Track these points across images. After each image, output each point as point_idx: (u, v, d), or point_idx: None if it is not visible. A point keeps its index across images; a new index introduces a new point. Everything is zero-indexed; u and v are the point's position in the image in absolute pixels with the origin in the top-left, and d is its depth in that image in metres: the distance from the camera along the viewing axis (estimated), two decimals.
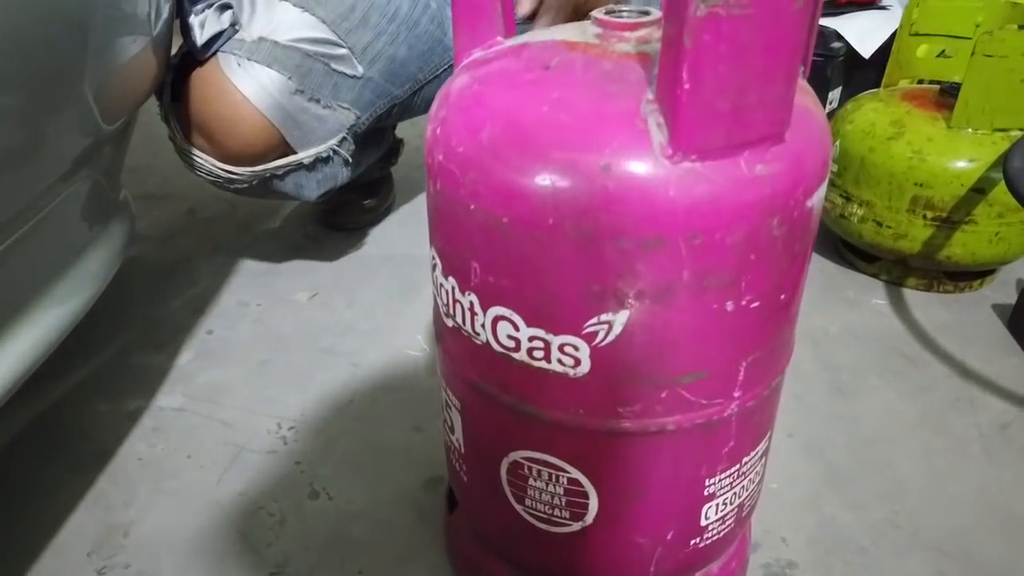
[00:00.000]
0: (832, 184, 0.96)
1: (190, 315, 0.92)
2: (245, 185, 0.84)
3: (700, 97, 0.33)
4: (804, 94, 0.41)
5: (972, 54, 0.82)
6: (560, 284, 0.37)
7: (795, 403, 0.77)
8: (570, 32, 0.41)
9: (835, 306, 0.94)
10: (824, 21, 1.41)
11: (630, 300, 0.37)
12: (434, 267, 0.45)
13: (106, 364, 0.84)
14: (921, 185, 0.87)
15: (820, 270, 1.01)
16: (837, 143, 0.95)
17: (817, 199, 0.39)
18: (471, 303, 0.41)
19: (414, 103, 0.92)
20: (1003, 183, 0.77)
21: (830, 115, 1.42)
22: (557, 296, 0.38)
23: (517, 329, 0.39)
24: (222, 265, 1.03)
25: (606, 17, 0.40)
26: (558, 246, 0.36)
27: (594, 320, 0.38)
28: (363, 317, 0.92)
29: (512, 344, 0.40)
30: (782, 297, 0.40)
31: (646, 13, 0.41)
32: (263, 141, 0.81)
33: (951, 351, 0.85)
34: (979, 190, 0.85)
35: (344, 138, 0.85)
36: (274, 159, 0.83)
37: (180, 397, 0.78)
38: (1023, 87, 0.83)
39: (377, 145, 1.04)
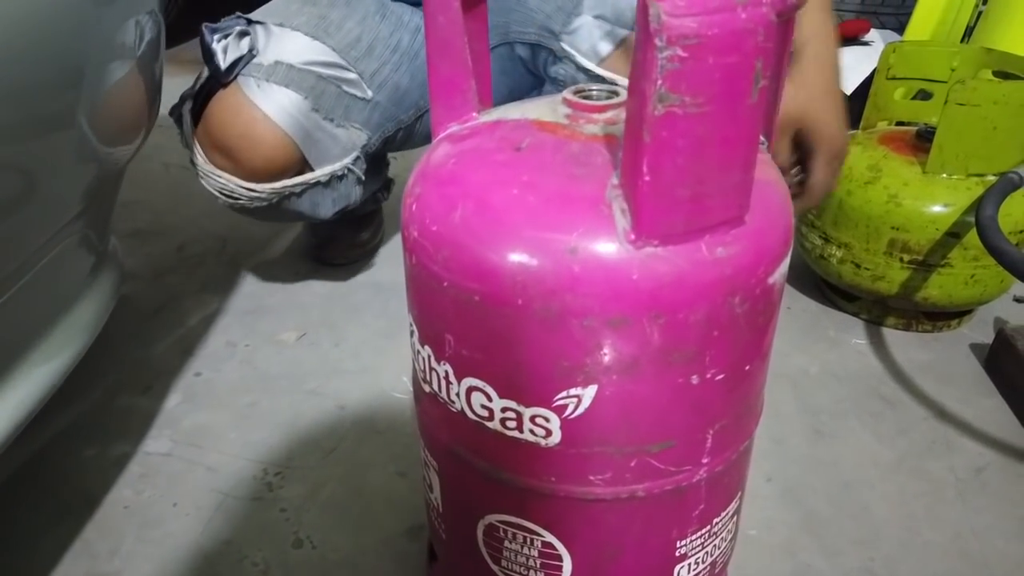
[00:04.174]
0: (812, 225, 0.98)
1: (178, 356, 0.93)
2: (264, 203, 0.88)
3: (660, 187, 0.34)
4: (765, 166, 0.42)
5: (945, 103, 0.84)
6: (530, 359, 0.38)
7: (774, 446, 0.78)
8: (541, 111, 0.43)
9: (816, 346, 0.95)
10: None
11: (598, 375, 0.38)
12: (412, 333, 0.46)
13: (93, 407, 0.84)
14: (897, 229, 0.88)
15: (803, 309, 1.03)
16: None
17: (779, 274, 0.41)
18: (446, 372, 0.42)
19: (416, 129, 0.97)
20: None
21: None
22: (527, 370, 0.39)
23: (490, 400, 0.41)
24: (211, 303, 1.04)
25: (575, 98, 0.42)
26: (527, 324, 0.37)
27: (563, 394, 0.39)
28: (350, 357, 0.93)
29: (486, 414, 0.41)
30: (747, 368, 0.41)
31: (614, 93, 0.42)
32: (283, 157, 0.85)
33: (929, 392, 0.87)
34: (954, 234, 0.86)
35: (358, 156, 0.90)
36: (292, 176, 0.87)
37: (167, 442, 0.79)
38: (996, 134, 0.85)
39: (375, 176, 1.06)
